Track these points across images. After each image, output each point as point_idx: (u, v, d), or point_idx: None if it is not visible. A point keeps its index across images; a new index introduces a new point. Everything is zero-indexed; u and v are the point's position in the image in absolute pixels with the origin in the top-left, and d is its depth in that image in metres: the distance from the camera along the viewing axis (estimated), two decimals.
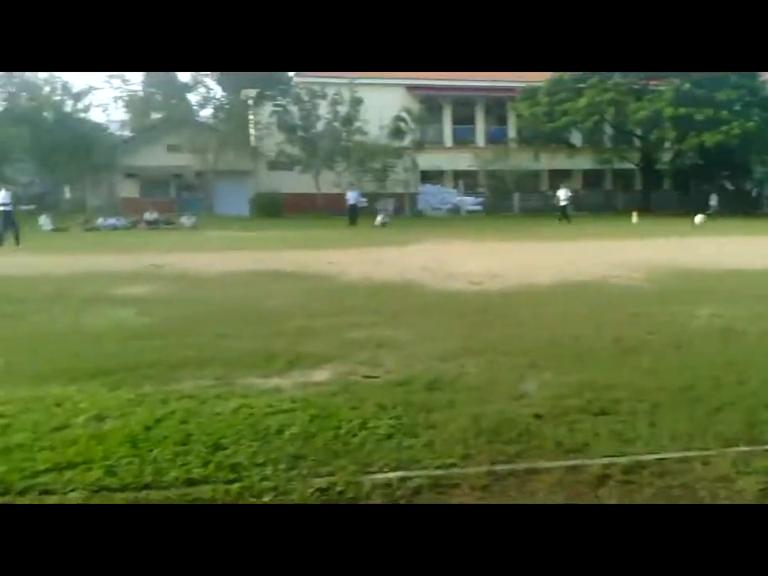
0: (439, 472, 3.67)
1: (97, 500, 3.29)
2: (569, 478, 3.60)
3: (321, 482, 3.49)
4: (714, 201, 39.62)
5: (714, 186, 42.95)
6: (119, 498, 3.32)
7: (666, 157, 42.14)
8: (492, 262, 14.49)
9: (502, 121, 46.71)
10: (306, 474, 3.61)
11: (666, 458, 3.85)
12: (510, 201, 43.18)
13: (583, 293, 9.88)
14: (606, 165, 41.89)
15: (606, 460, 3.79)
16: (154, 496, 3.34)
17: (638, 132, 41.42)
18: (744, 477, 3.62)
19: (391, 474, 3.63)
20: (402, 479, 3.56)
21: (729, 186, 43.80)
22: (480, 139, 45.93)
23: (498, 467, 3.72)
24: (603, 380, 5.25)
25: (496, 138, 45.40)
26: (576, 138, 43.83)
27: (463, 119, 45.83)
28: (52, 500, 3.28)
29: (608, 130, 42.99)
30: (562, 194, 33.41)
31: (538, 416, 4.48)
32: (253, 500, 3.32)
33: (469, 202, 43.37)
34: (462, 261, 14.86)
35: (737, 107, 37.38)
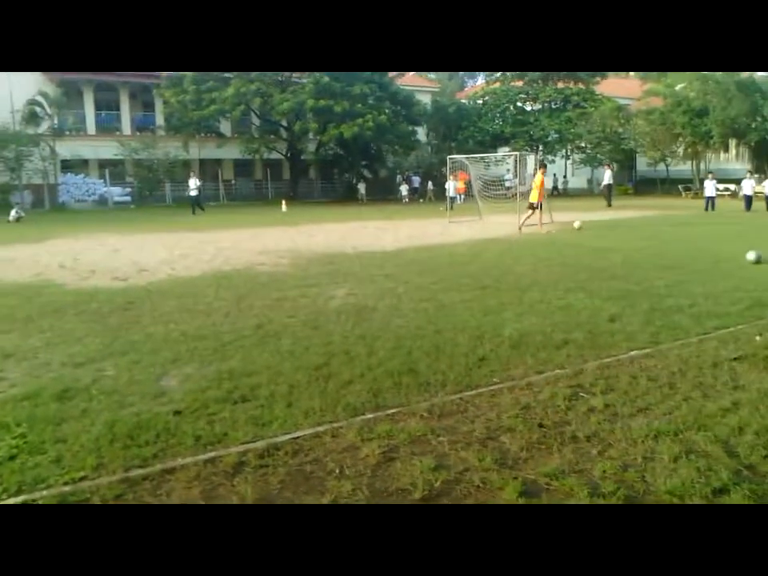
0: (67, 488, 3.42)
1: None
2: (206, 472, 3.60)
3: None
4: (363, 189, 42.83)
5: (355, 174, 46.47)
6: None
7: (311, 147, 44.45)
8: (140, 255, 13.92)
9: (149, 107, 45.06)
10: None
11: (300, 436, 4.06)
12: (161, 191, 41.93)
13: (230, 282, 9.97)
14: (256, 155, 42.80)
15: (241, 447, 3.87)
16: None
17: (284, 123, 43.01)
18: (368, 443, 3.96)
19: (11, 500, 3.29)
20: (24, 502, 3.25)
21: (368, 174, 47.67)
22: (126, 126, 43.76)
23: (133, 473, 3.58)
24: (244, 367, 5.36)
25: (143, 126, 43.68)
26: (226, 127, 44.09)
27: (107, 105, 43.25)
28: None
29: (256, 120, 43.95)
30: (192, 184, 31.89)
31: (177, 413, 4.41)
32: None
33: (117, 193, 41.12)
34: (108, 256, 14.04)
35: (370, 101, 40.83)
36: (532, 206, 18.98)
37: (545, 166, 21.24)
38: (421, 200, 42.06)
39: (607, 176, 33.06)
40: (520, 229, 18.44)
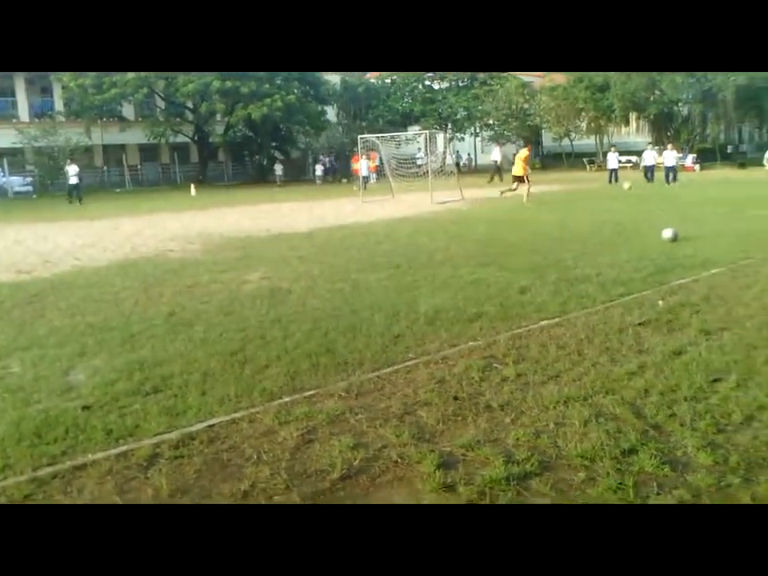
0: None
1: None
2: (118, 466, 3.50)
3: None
4: (279, 170, 41.95)
5: (265, 156, 45.70)
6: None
7: (219, 129, 43.44)
8: (44, 246, 13.32)
9: (48, 93, 42.99)
10: None
11: (215, 424, 3.99)
12: (63, 179, 40.10)
13: (139, 270, 9.67)
14: (161, 138, 41.48)
15: (155, 439, 3.78)
16: None
17: (190, 105, 41.88)
18: (285, 426, 3.94)
19: None
20: None
21: (280, 155, 46.99)
22: (24, 113, 41.63)
23: (41, 471, 3.45)
24: (155, 357, 5.22)
25: (42, 112, 41.67)
26: (129, 111, 42.58)
27: (2, 91, 41.00)
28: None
29: (161, 103, 42.61)
30: (72, 171, 29.97)
31: (86, 407, 4.27)
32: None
33: (17, 183, 39.07)
34: (10, 248, 13.34)
35: (278, 81, 40.18)
36: (518, 178, 19.31)
37: (530, 143, 21.67)
38: (344, 180, 41.51)
39: (495, 153, 33.90)
40: (525, 200, 18.66)
